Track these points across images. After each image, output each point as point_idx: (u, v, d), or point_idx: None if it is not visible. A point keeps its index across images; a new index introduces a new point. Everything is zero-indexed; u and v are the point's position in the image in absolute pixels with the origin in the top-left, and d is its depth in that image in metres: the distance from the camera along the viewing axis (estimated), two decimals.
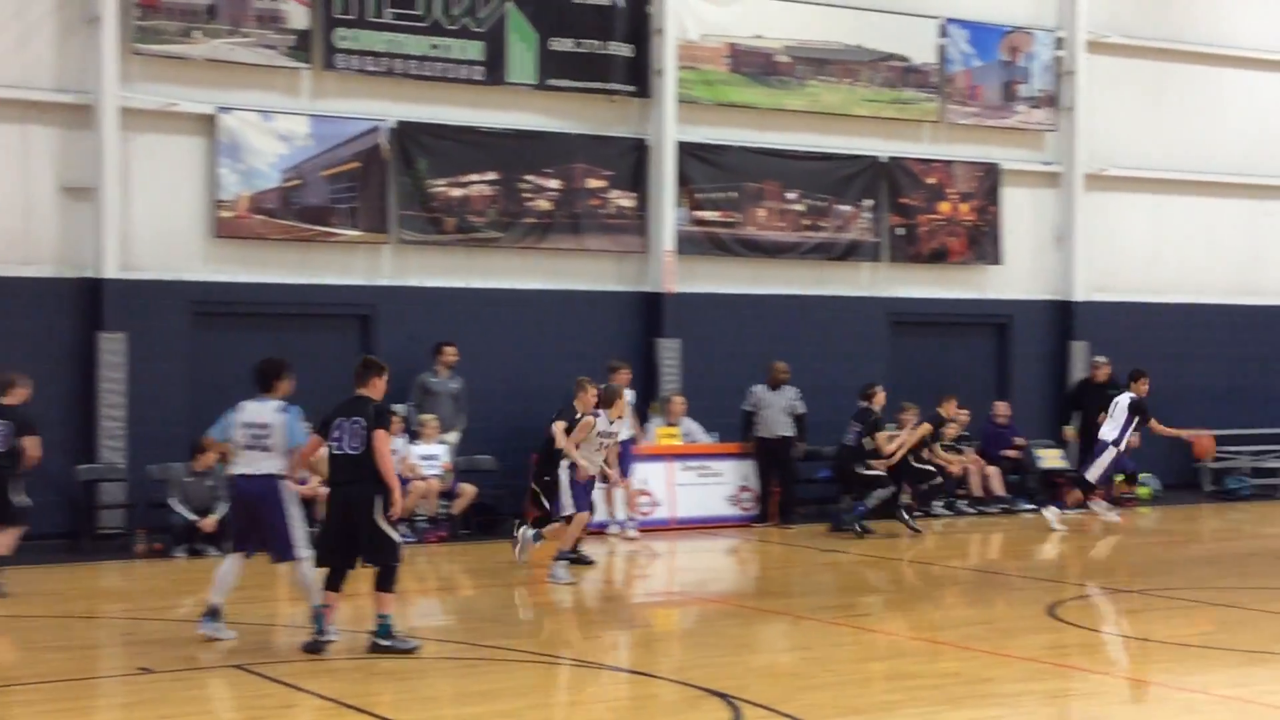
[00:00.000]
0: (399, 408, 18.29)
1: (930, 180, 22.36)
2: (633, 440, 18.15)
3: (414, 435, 18.17)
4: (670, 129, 20.49)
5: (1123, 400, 19.32)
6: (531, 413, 18.02)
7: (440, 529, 17.97)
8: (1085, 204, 23.45)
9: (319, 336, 18.94)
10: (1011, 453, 21.83)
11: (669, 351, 20.41)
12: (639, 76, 20.47)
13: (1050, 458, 22.57)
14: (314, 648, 11.08)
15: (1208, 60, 24.54)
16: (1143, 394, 19.43)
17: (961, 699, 10.01)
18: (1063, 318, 23.40)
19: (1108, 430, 19.22)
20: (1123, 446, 19.17)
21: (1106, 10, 23.72)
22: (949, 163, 22.54)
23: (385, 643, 11.06)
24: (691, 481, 19.24)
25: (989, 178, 22.82)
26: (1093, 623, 13.48)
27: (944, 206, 22.45)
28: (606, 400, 15.29)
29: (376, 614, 11.19)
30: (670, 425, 19.62)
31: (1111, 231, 23.78)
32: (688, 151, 20.68)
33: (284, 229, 18.57)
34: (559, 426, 15.10)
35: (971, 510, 20.98)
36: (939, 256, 22.48)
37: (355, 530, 11.16)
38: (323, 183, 18.76)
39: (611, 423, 15.28)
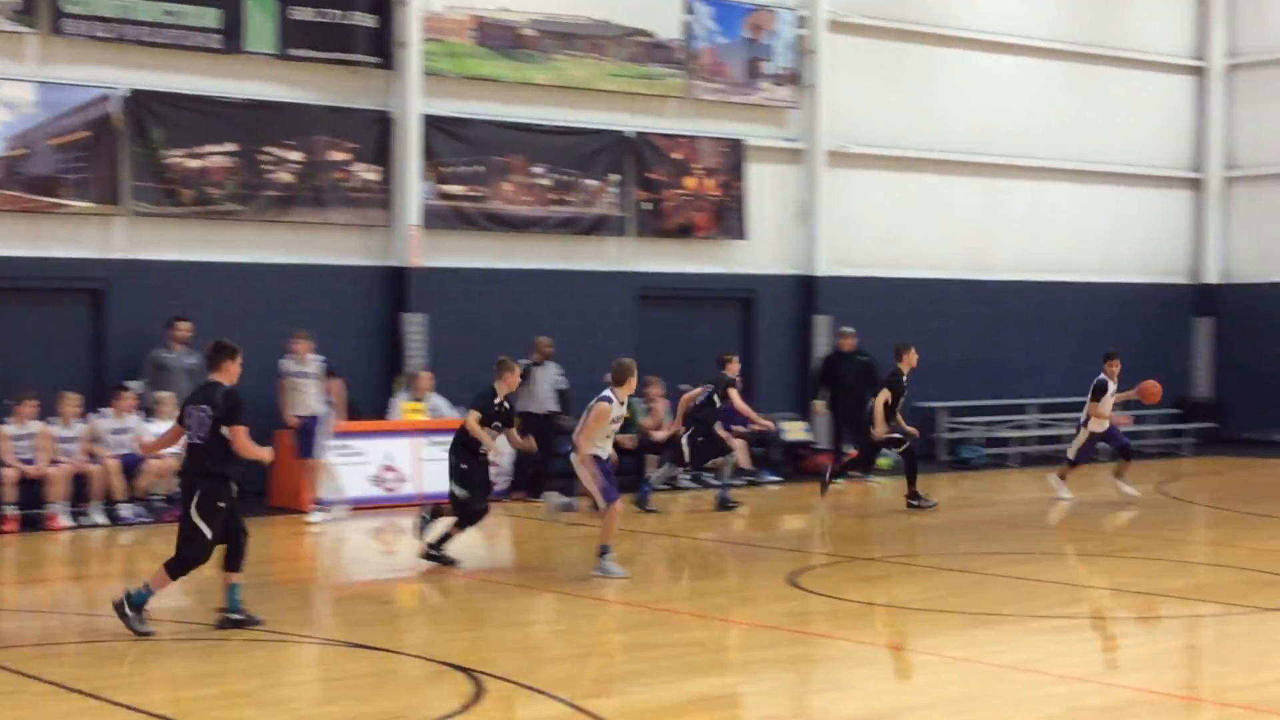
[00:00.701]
0: (133, 384, 17.84)
1: (676, 155, 22.56)
2: (322, 418, 17.88)
3: (149, 412, 17.67)
4: (415, 101, 20.28)
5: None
6: (268, 389, 17.76)
7: (176, 508, 17.45)
8: (827, 180, 23.92)
9: (48, 311, 18.33)
10: (748, 427, 22.00)
11: (415, 327, 20.23)
12: (383, 48, 20.21)
13: (795, 430, 23.01)
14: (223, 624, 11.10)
15: (945, 42, 25.24)
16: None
17: (703, 667, 10.13)
18: (806, 292, 23.85)
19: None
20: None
21: None
22: (694, 138, 22.77)
23: (130, 614, 10.80)
24: (439, 457, 19.08)
25: (734, 154, 23.11)
26: (832, 590, 13.75)
27: (690, 182, 22.68)
28: (619, 378, 14.03)
29: (142, 585, 10.93)
30: (416, 401, 19.45)
31: (853, 207, 24.31)
32: (433, 125, 20.50)
33: (9, 200, 17.86)
34: (473, 417, 14.09)
35: (717, 483, 21.21)
36: (685, 231, 22.71)
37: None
38: (51, 152, 18.08)
39: (622, 403, 14.01)
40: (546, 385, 19.61)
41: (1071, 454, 19.84)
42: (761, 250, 23.52)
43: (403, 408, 19.41)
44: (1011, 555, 15.32)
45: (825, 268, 23.90)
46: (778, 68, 23.60)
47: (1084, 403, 19.74)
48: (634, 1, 22.16)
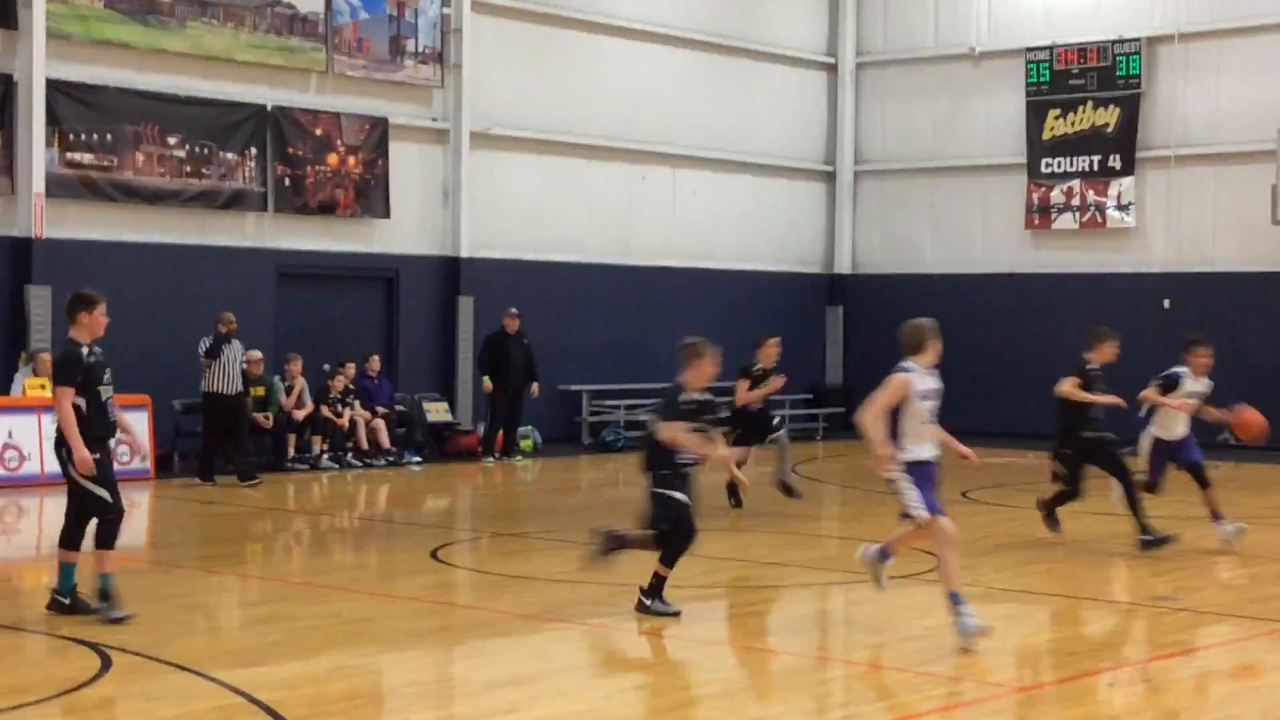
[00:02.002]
0: None
1: (318, 131, 22.23)
2: None
3: None
4: (39, 64, 19.45)
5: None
6: None
7: None
8: (472, 161, 23.92)
9: None
10: (387, 408, 21.94)
11: (39, 301, 19.41)
12: (5, 7, 19.32)
13: (437, 410, 23.00)
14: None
15: (589, 28, 25.53)
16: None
17: (343, 638, 10.04)
18: (450, 273, 23.82)
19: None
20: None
21: None
22: (337, 114, 22.47)
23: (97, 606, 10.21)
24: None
25: (377, 131, 22.90)
26: (474, 564, 13.82)
27: (332, 158, 22.38)
28: (915, 343, 10.48)
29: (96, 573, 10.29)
30: (40, 377, 18.67)
31: (498, 189, 24.39)
32: (58, 89, 19.69)
33: None
34: (663, 429, 10.70)
35: (359, 463, 21.07)
36: (327, 208, 22.39)
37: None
38: None
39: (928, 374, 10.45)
40: (236, 364, 19.02)
41: (1145, 474, 14.40)
42: (405, 230, 23.37)
43: (26, 384, 18.63)
44: None
45: (469, 249, 23.91)
46: (422, 46, 23.49)
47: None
48: None
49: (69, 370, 10.12)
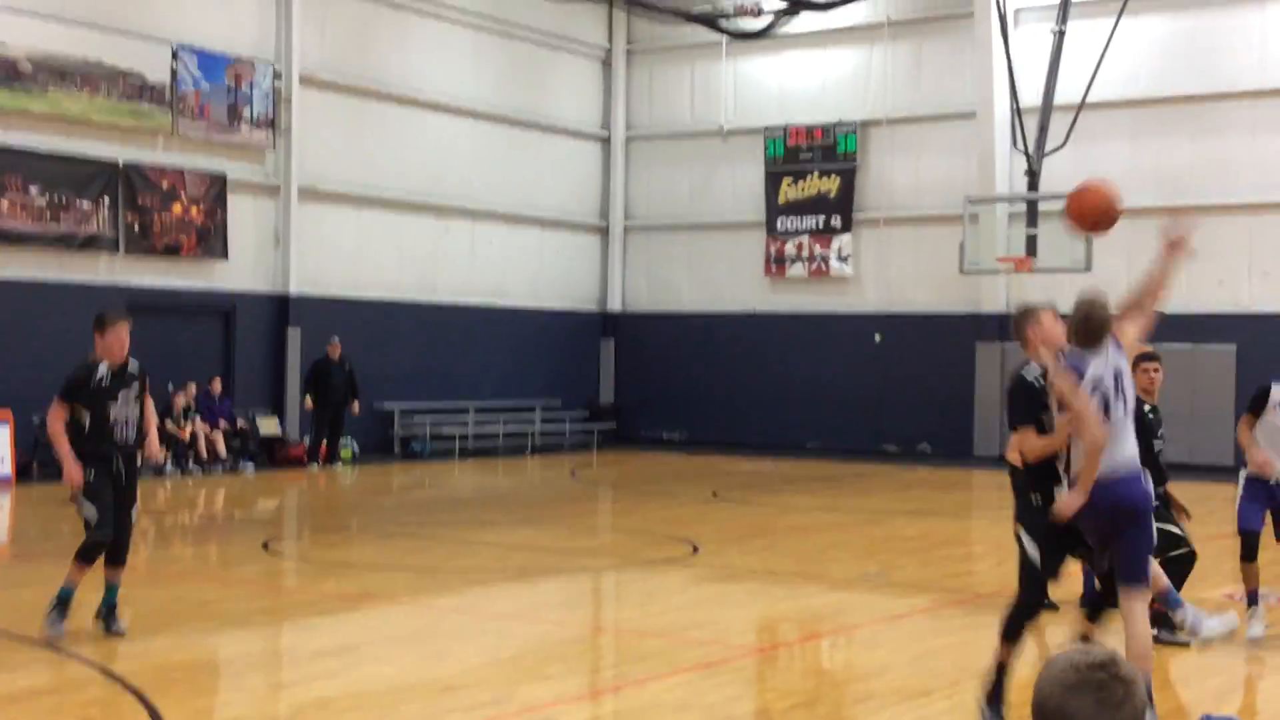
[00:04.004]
0: None
1: (165, 184, 21.64)
2: None
3: None
4: None
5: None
6: None
7: None
8: (300, 212, 23.54)
9: None
10: (225, 423, 21.51)
11: None
12: None
13: (268, 425, 22.57)
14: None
15: (401, 101, 25.32)
16: None
17: (184, 617, 9.79)
18: (281, 307, 23.39)
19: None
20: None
21: (316, 50, 23.92)
22: (181, 170, 21.91)
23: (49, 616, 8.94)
24: None
25: (217, 185, 22.38)
26: (299, 554, 13.60)
27: (177, 207, 21.80)
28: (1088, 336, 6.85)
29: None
30: None
31: (322, 236, 24.03)
32: None
33: None
34: (1021, 439, 6.92)
35: (198, 469, 20.55)
36: (173, 250, 21.79)
37: None
38: None
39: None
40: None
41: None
42: (241, 269, 22.87)
43: None
44: (454, 525, 15.57)
45: (297, 287, 23.51)
46: (256, 113, 23.06)
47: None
48: (127, 46, 21.11)
49: (66, 387, 8.97)
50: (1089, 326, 6.87)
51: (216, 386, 21.62)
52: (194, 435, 20.64)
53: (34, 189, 20.02)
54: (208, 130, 22.33)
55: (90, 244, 20.75)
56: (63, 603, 8.96)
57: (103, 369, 8.97)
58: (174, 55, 21.79)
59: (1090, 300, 6.94)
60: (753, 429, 26.96)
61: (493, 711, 7.30)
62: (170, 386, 20.89)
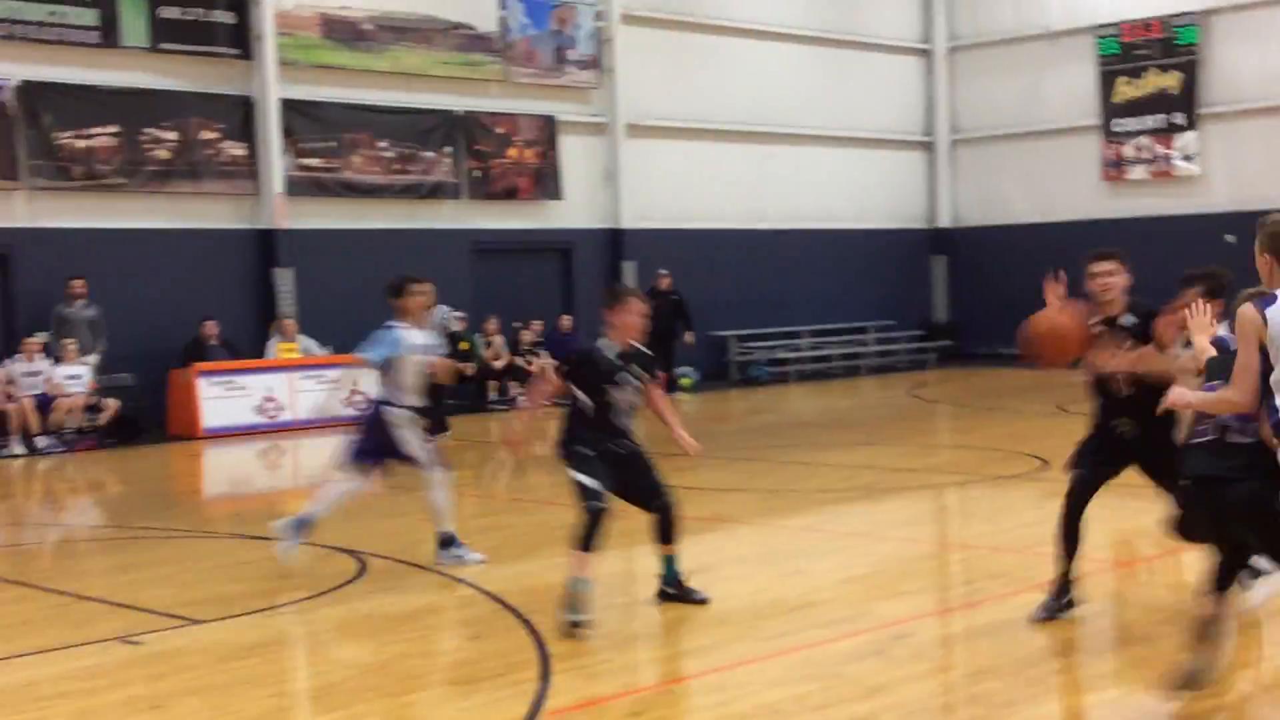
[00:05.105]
0: (40, 335, 17.49)
1: (499, 130, 22.54)
2: None
3: (58, 359, 17.35)
4: (273, 87, 19.95)
5: None
6: (162, 336, 17.79)
7: (88, 439, 17.21)
8: (627, 148, 24.08)
9: None
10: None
11: (284, 280, 19.97)
12: (242, 40, 19.84)
13: None
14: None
15: (719, 31, 25.45)
16: None
17: (550, 542, 10.28)
18: (613, 242, 24.03)
19: None
20: None
21: None
22: (514, 115, 22.73)
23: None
24: (310, 389, 18.94)
25: (548, 128, 23.13)
26: None
27: (512, 152, 22.68)
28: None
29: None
30: (288, 342, 19.26)
31: (649, 170, 24.50)
32: (289, 106, 20.19)
33: None
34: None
35: (548, 403, 21.36)
36: (510, 194, 22.71)
37: None
38: None
39: None
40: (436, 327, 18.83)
41: None
42: (575, 208, 23.61)
43: (277, 349, 19.21)
44: (796, 448, 15.76)
45: (628, 221, 24.10)
46: (581, 54, 23.66)
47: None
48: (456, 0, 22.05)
49: (565, 361, 8.14)
50: None
51: (565, 323, 22.46)
52: (543, 369, 21.45)
53: (382, 143, 21.16)
54: (537, 74, 23.07)
55: (435, 192, 21.83)
56: (579, 597, 7.59)
57: (615, 348, 7.84)
58: (502, 4, 22.55)
59: None
60: None
61: (850, 627, 7.43)
62: (515, 324, 21.84)
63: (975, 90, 28.67)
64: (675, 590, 8.13)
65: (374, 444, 9.37)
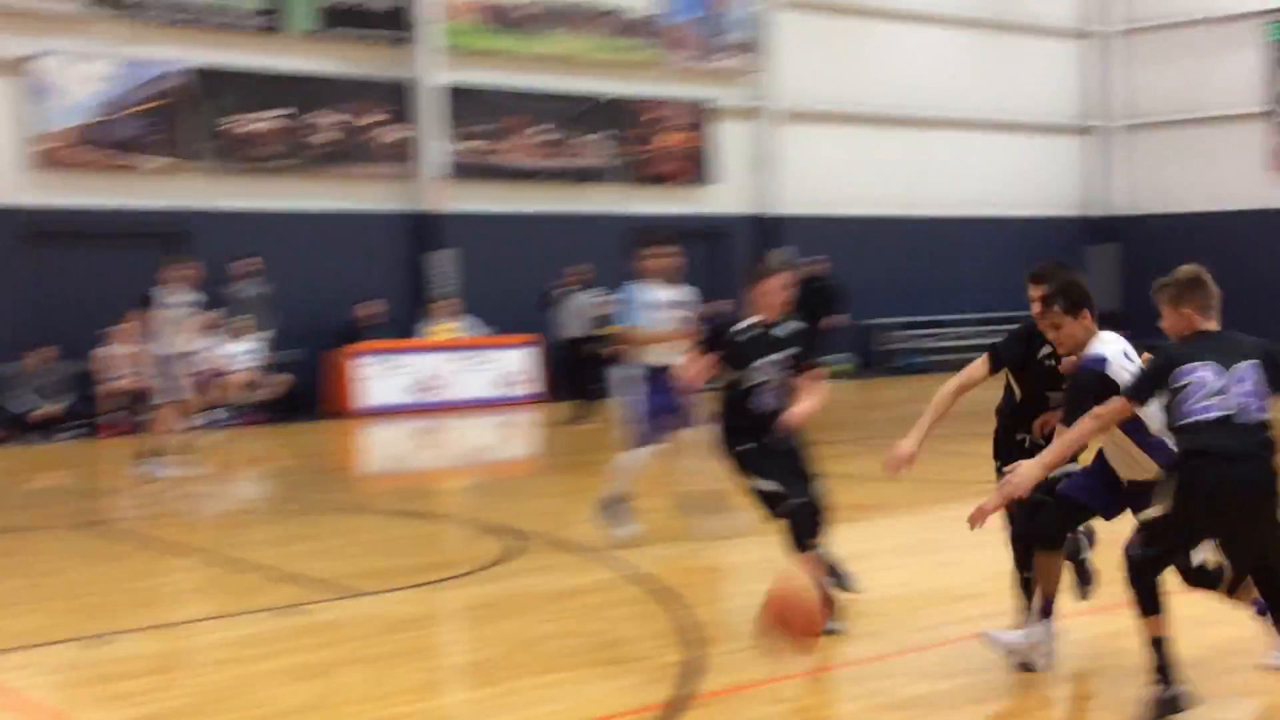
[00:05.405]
0: (212, 313, 18.00)
1: (654, 114, 22.55)
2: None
3: (234, 334, 18.00)
4: (435, 72, 20.23)
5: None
6: (320, 315, 18.34)
7: (251, 414, 17.73)
8: (783, 134, 23.91)
9: (135, 253, 18.36)
10: None
11: (444, 261, 20.27)
12: (404, 25, 20.14)
13: None
14: None
15: (873, 15, 25.16)
16: None
17: (696, 528, 10.26)
18: (766, 229, 23.89)
19: None
20: None
21: None
22: (668, 100, 22.72)
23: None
24: (467, 368, 19.18)
25: (701, 112, 23.08)
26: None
27: (666, 136, 22.68)
28: None
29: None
30: (447, 322, 19.56)
31: (803, 156, 24.29)
32: (451, 91, 20.46)
33: (100, 158, 17.88)
34: None
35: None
36: (664, 178, 22.72)
37: None
38: (134, 118, 18.09)
39: None
40: (583, 312, 18.38)
41: None
42: (728, 193, 23.53)
43: (436, 329, 19.51)
44: (948, 438, 15.40)
45: (782, 208, 23.95)
46: (737, 39, 23.54)
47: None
48: None
49: (704, 338, 7.54)
50: None
51: (719, 307, 22.37)
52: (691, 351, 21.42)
53: (540, 127, 21.32)
54: (691, 59, 23.01)
55: (590, 176, 21.92)
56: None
57: (760, 324, 7.33)
58: None
59: None
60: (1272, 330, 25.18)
61: (1005, 622, 7.27)
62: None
63: (1139, 75, 27.87)
64: (831, 577, 7.40)
65: (661, 404, 9.44)
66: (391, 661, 6.68)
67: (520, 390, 19.62)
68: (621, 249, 21.95)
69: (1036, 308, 6.41)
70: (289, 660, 6.70)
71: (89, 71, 17.71)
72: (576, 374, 17.91)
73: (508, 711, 5.87)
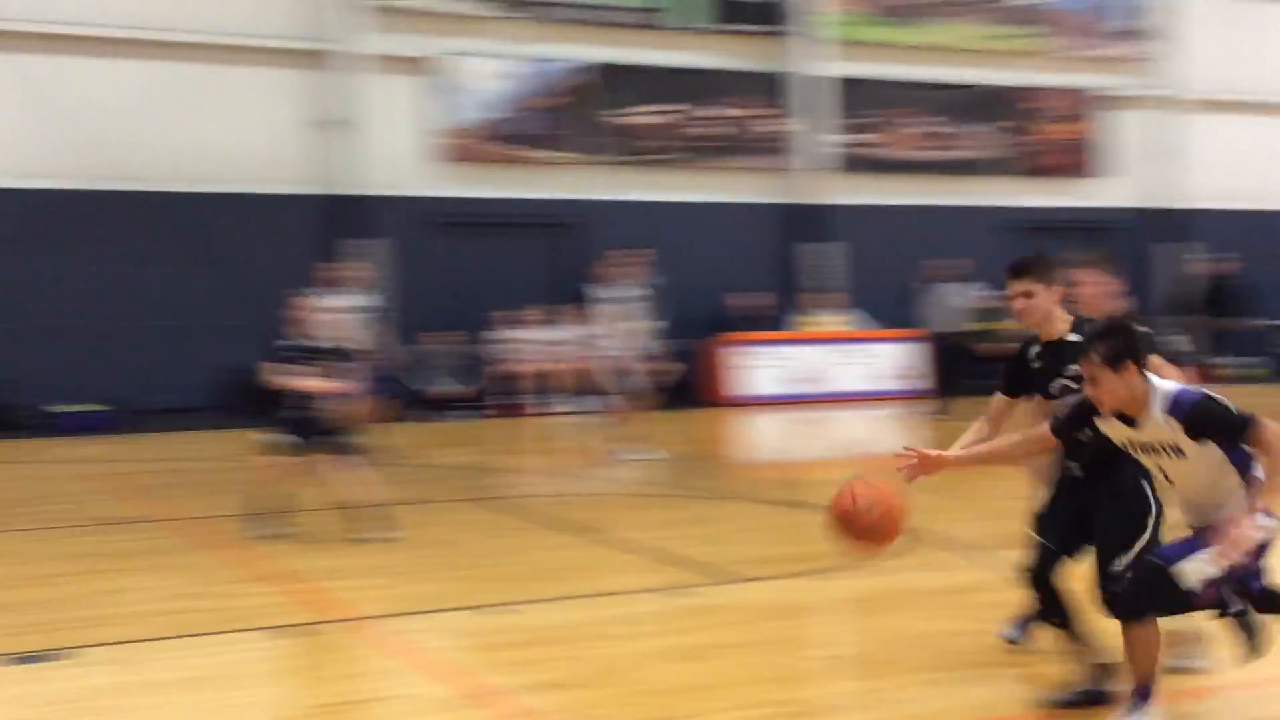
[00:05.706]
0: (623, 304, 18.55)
1: (1044, 103, 21.81)
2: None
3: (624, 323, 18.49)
4: (818, 64, 20.22)
5: None
6: (703, 304, 18.79)
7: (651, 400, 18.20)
8: (1187, 123, 22.64)
9: (534, 243, 19.19)
10: None
11: (833, 254, 20.26)
12: (796, 19, 20.21)
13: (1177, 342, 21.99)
14: None
15: None
16: None
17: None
18: (1159, 222, 22.64)
19: None
20: None
21: None
22: (1049, 89, 21.89)
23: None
24: (847, 361, 19.10)
25: (1088, 100, 22.13)
26: None
27: (1051, 127, 21.88)
28: None
29: None
30: (829, 315, 19.54)
31: (1211, 147, 22.94)
32: (839, 83, 20.40)
33: (504, 152, 18.79)
34: None
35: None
36: (1053, 170, 21.93)
37: None
38: (536, 114, 18.92)
39: None
40: (952, 305, 17.73)
41: None
42: (1117, 186, 22.46)
43: (818, 321, 19.53)
44: None
45: (1186, 201, 22.65)
46: (1131, 24, 22.45)
47: None
48: None
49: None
50: None
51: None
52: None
53: (928, 119, 20.97)
54: (1084, 45, 22.10)
55: (971, 168, 21.39)
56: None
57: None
58: None
59: None
60: None
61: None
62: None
63: None
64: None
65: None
66: (769, 648, 6.68)
67: (901, 385, 19.36)
68: (999, 242, 21.37)
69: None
70: (675, 640, 6.81)
71: (493, 69, 18.61)
72: (947, 367, 17.36)
73: (884, 706, 5.77)
